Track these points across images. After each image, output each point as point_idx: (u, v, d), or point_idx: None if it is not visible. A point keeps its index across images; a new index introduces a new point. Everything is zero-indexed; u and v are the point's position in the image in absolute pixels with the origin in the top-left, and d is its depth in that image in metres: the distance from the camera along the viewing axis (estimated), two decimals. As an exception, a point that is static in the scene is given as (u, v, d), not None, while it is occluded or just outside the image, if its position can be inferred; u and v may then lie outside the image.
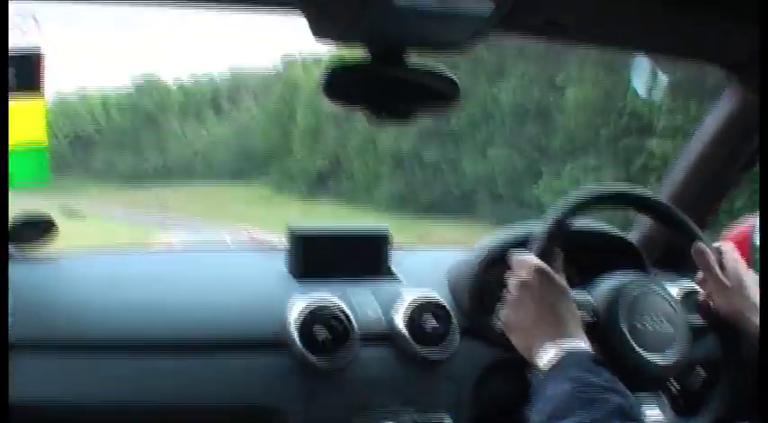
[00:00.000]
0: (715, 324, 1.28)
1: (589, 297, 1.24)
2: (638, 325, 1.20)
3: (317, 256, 1.51)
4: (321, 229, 1.56)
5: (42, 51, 1.28)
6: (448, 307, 1.40)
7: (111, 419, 1.25)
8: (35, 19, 1.23)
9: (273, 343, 1.30)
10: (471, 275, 1.46)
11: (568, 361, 1.00)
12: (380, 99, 1.09)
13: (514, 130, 32.78)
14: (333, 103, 1.08)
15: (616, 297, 1.22)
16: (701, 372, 1.35)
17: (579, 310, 1.13)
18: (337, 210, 45.99)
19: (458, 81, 1.12)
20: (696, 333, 1.27)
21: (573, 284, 1.33)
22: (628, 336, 1.19)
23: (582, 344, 1.04)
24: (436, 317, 1.37)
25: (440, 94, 1.12)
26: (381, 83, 1.09)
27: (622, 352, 1.18)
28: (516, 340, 1.11)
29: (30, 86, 1.29)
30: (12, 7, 1.03)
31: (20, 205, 1.31)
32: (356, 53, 1.07)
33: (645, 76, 1.65)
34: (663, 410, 1.31)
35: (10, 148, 1.23)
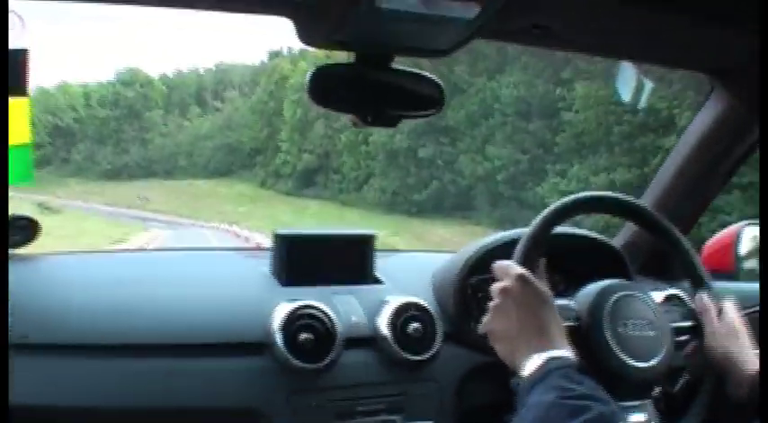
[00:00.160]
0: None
1: (572, 303, 1.28)
2: (621, 331, 1.24)
3: (302, 260, 1.53)
4: (306, 234, 1.59)
5: (28, 50, 1.29)
6: (432, 311, 1.43)
7: (92, 421, 1.24)
8: (20, 18, 1.24)
9: (257, 346, 1.32)
10: (455, 281, 1.49)
11: (551, 369, 1.01)
12: (366, 103, 1.12)
13: (516, 127, 32.44)
14: (319, 106, 1.10)
15: (599, 303, 1.25)
16: (683, 377, 1.37)
17: (562, 316, 1.15)
18: (325, 207, 45.52)
19: (443, 86, 1.15)
20: (679, 339, 1.31)
21: (557, 290, 1.37)
22: (611, 342, 1.22)
23: (565, 352, 1.06)
24: (420, 321, 1.40)
25: (425, 98, 1.16)
26: (367, 87, 1.12)
27: (605, 358, 1.21)
28: (499, 348, 1.13)
29: (15, 86, 1.30)
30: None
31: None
32: (343, 57, 1.10)
33: (630, 82, 1.69)
34: (648, 416, 1.33)
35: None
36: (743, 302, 1.49)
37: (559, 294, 1.27)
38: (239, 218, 42.97)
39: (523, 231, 1.30)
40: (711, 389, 1.28)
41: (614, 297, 1.26)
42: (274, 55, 75.28)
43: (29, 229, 1.40)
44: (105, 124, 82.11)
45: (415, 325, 1.39)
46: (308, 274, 1.51)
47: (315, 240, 1.58)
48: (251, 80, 79.93)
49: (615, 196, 1.39)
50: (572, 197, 1.33)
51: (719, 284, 1.41)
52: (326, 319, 1.33)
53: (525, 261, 1.20)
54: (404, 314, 1.40)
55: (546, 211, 1.30)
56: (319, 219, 39.66)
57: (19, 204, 1.37)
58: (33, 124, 1.47)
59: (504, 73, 33.09)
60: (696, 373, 1.34)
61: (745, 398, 1.20)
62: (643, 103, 1.79)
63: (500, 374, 1.16)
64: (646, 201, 1.75)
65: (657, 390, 1.35)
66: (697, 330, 1.32)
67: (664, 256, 1.69)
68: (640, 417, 1.30)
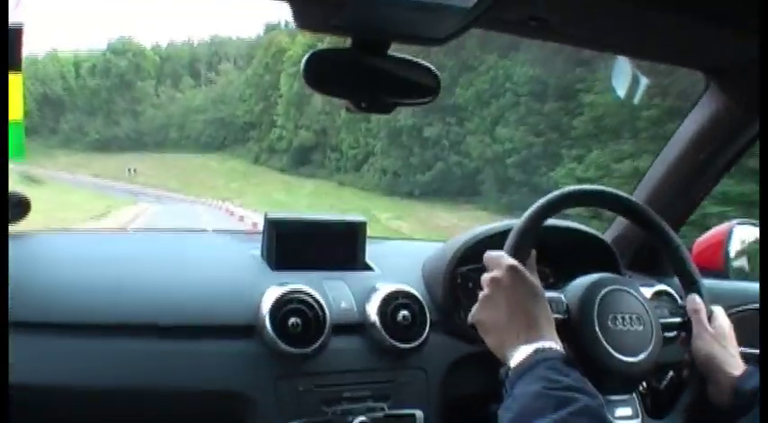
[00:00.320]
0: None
1: (562, 296, 1.30)
2: (611, 325, 1.26)
3: (292, 245, 1.55)
4: (298, 218, 1.61)
5: (23, 26, 1.30)
6: (421, 300, 1.46)
7: (80, 401, 1.26)
8: (16, -6, 1.25)
9: (246, 329, 1.34)
10: (445, 270, 1.52)
11: (538, 360, 1.04)
12: (361, 88, 1.14)
13: (530, 108, 31.35)
14: (313, 90, 1.11)
15: (589, 296, 1.28)
16: (670, 373, 1.40)
17: (552, 308, 1.18)
18: (321, 187, 44.83)
19: (438, 74, 1.17)
20: (667, 335, 1.34)
21: (547, 282, 1.39)
22: (599, 335, 1.25)
23: (553, 344, 1.08)
24: (409, 309, 1.43)
25: (421, 85, 1.17)
26: (363, 72, 1.13)
27: (593, 351, 1.24)
28: (488, 338, 1.15)
29: (8, 63, 1.31)
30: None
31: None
32: (339, 42, 1.11)
33: (625, 77, 1.70)
34: (634, 411, 1.36)
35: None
36: (731, 301, 1.52)
37: (549, 287, 1.29)
38: (230, 194, 42.77)
39: (515, 222, 1.32)
40: (697, 387, 1.31)
41: (604, 291, 1.29)
42: (271, 28, 74.75)
43: (20, 205, 1.41)
44: (96, 94, 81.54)
45: (404, 312, 1.41)
46: (298, 258, 1.53)
47: (306, 225, 1.59)
48: (246, 53, 79.45)
49: (608, 190, 1.41)
50: (563, 190, 1.36)
51: (709, 282, 1.43)
52: (316, 305, 1.35)
53: (516, 253, 1.22)
54: (393, 302, 1.42)
55: (537, 204, 1.32)
56: (316, 199, 39.25)
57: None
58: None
59: (519, 50, 32.11)
60: (683, 369, 1.36)
61: (727, 403, 1.22)
62: (638, 98, 1.80)
63: (488, 364, 1.18)
64: (637, 196, 1.77)
65: (644, 385, 1.38)
66: (685, 327, 1.35)
67: (654, 252, 1.72)
68: (626, 411, 1.33)
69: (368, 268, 1.60)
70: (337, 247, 1.59)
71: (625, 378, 1.28)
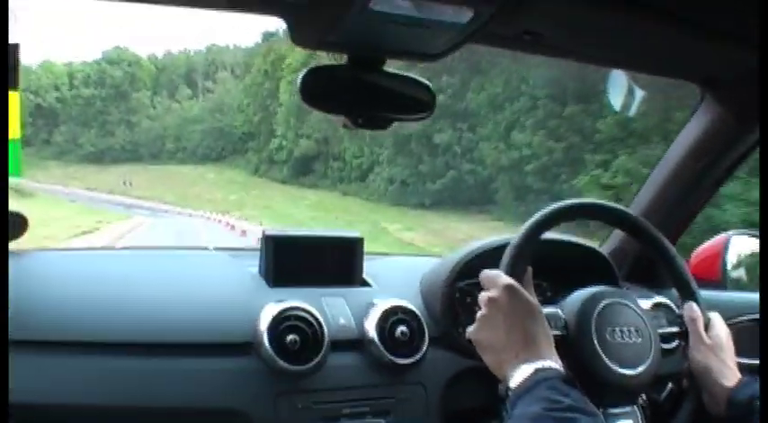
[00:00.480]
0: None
1: (559, 311, 1.33)
2: (609, 338, 1.29)
3: (290, 261, 1.58)
4: (296, 235, 1.64)
5: (19, 45, 1.33)
6: (419, 315, 1.48)
7: (75, 420, 1.27)
8: (12, 11, 1.28)
9: (244, 346, 1.36)
10: (443, 285, 1.54)
11: (538, 380, 1.05)
12: (358, 105, 1.17)
13: (549, 111, 30.49)
14: (310, 106, 1.14)
15: (587, 310, 1.31)
16: (669, 384, 1.43)
17: (550, 325, 1.20)
18: (325, 197, 43.96)
19: (433, 89, 1.20)
20: (665, 346, 1.37)
21: (545, 297, 1.42)
22: (598, 349, 1.27)
23: (552, 363, 1.10)
24: (407, 324, 1.45)
25: (416, 101, 1.21)
26: (359, 89, 1.16)
27: (593, 365, 1.27)
28: (487, 358, 1.17)
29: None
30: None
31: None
32: (335, 59, 1.15)
33: (621, 90, 1.73)
34: None
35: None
36: (729, 312, 1.55)
37: (547, 301, 1.32)
38: (230, 207, 42.60)
39: (511, 237, 1.34)
40: (697, 398, 1.34)
41: (602, 304, 1.31)
42: (269, 36, 74.84)
43: (18, 224, 1.43)
44: (90, 104, 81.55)
45: (402, 328, 1.44)
46: (296, 275, 1.56)
47: (304, 242, 1.62)
48: (244, 62, 79.53)
49: (603, 204, 1.44)
50: (558, 205, 1.38)
51: (706, 294, 1.46)
52: (314, 321, 1.37)
53: (512, 270, 1.24)
54: (391, 317, 1.45)
55: (532, 219, 1.34)
56: (320, 210, 38.89)
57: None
58: (15, 105, 1.51)
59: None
60: (682, 379, 1.39)
61: (722, 413, 1.25)
62: (634, 111, 1.83)
63: (487, 379, 1.19)
64: (635, 208, 1.81)
65: (644, 397, 1.41)
66: (683, 336, 1.38)
67: (651, 264, 1.74)
68: None
69: (366, 284, 1.63)
70: (335, 263, 1.62)
71: (625, 391, 1.30)
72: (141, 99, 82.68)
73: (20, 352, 1.22)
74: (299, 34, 1.10)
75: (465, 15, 0.99)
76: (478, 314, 1.18)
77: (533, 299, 1.18)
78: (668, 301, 1.53)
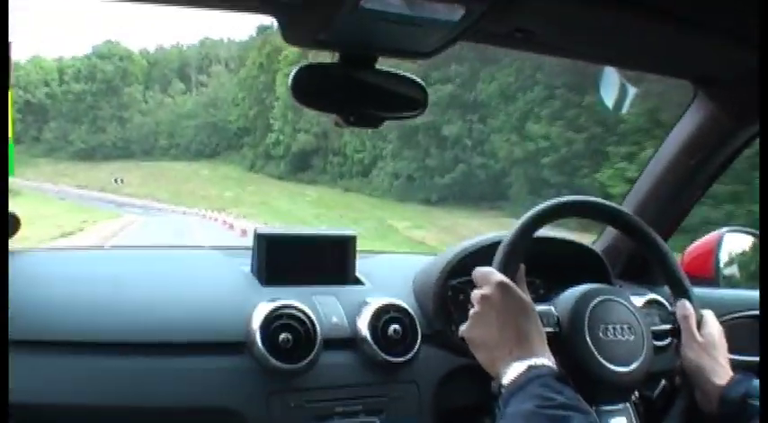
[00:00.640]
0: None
1: (552, 308, 1.36)
2: (602, 336, 1.32)
3: (283, 260, 1.61)
4: (288, 233, 1.66)
5: (11, 43, 1.35)
6: (412, 313, 1.51)
7: (67, 420, 1.29)
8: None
9: (236, 345, 1.38)
10: (435, 283, 1.56)
11: (531, 378, 1.07)
12: (349, 103, 1.20)
13: (567, 101, 29.64)
14: (302, 105, 1.17)
15: (579, 307, 1.34)
16: (662, 381, 1.45)
17: (543, 322, 1.22)
18: (326, 194, 42.98)
19: (425, 87, 1.23)
20: (658, 343, 1.40)
21: (537, 294, 1.44)
22: (591, 346, 1.30)
23: (545, 360, 1.12)
24: (400, 323, 1.48)
25: (408, 99, 1.24)
26: (351, 87, 1.19)
27: (586, 362, 1.30)
28: (480, 355, 1.19)
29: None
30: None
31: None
32: (327, 57, 1.17)
33: (613, 87, 1.75)
34: (629, 420, 1.40)
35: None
36: (722, 309, 1.58)
37: (540, 298, 1.35)
38: (225, 204, 42.32)
39: (504, 235, 1.36)
40: (689, 395, 1.37)
41: (595, 301, 1.34)
42: (264, 29, 74.63)
43: (12, 224, 1.44)
44: (80, 100, 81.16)
45: (395, 326, 1.46)
46: (289, 273, 1.58)
47: (296, 240, 1.65)
48: (238, 55, 79.25)
49: (596, 201, 1.46)
50: (550, 202, 1.41)
51: (699, 291, 1.48)
52: (306, 320, 1.39)
53: (505, 268, 1.27)
54: (384, 316, 1.47)
55: (525, 217, 1.37)
56: (322, 207, 38.39)
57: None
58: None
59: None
60: (674, 376, 1.42)
61: (715, 411, 1.28)
62: (626, 108, 1.85)
63: (480, 376, 1.21)
64: (628, 205, 1.84)
65: (636, 394, 1.44)
66: (676, 333, 1.41)
67: (645, 261, 1.77)
68: (621, 421, 1.38)
69: (358, 282, 1.65)
70: (327, 261, 1.64)
71: (618, 388, 1.33)
72: (133, 94, 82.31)
73: (11, 352, 1.21)
74: (291, 33, 1.12)
75: (456, 13, 1.01)
76: (471, 312, 1.21)
77: (526, 296, 1.20)
78: (661, 299, 1.56)
